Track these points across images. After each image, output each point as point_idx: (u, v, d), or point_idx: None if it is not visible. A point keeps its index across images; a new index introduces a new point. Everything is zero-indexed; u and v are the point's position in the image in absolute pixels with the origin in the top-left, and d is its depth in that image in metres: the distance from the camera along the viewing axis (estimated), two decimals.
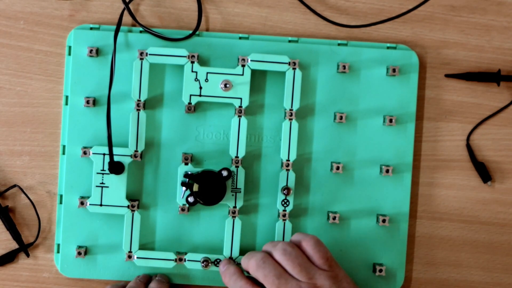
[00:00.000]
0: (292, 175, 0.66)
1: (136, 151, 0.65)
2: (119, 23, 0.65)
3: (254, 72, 0.66)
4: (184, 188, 0.65)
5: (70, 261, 0.67)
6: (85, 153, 0.65)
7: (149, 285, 0.64)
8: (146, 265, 0.66)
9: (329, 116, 0.67)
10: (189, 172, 0.65)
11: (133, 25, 0.67)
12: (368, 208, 0.67)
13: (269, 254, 0.60)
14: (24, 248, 0.67)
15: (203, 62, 0.66)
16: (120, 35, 0.66)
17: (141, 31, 0.67)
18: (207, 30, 0.68)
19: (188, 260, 0.66)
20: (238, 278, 0.61)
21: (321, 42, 0.67)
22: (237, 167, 0.65)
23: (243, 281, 0.60)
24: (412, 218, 0.68)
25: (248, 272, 0.61)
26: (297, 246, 0.60)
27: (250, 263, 0.60)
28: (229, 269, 0.62)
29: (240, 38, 0.67)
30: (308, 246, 0.60)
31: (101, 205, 0.65)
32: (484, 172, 0.68)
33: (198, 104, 0.66)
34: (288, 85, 0.65)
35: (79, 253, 0.66)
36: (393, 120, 0.66)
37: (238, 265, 0.64)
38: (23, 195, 0.67)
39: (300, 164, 0.67)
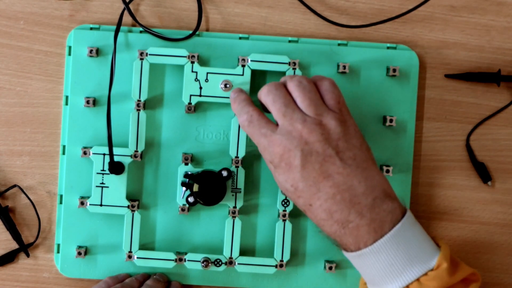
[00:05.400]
0: None
1: (136, 151, 0.65)
2: (119, 23, 0.65)
3: (254, 72, 0.66)
4: (184, 188, 0.65)
5: (70, 261, 0.67)
6: (85, 153, 0.65)
7: (145, 282, 0.64)
8: (146, 265, 0.66)
9: None
10: (189, 172, 0.65)
11: (133, 25, 0.67)
12: None
13: (284, 85, 0.59)
14: (24, 248, 0.67)
15: (203, 62, 0.66)
16: (120, 35, 0.66)
17: (141, 31, 0.67)
18: (207, 30, 0.68)
19: (188, 260, 0.66)
20: (247, 105, 0.60)
21: (321, 42, 0.67)
22: (237, 167, 0.65)
23: (252, 107, 0.60)
24: None
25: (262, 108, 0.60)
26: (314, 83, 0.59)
27: (262, 89, 0.59)
28: (240, 96, 0.62)
29: (240, 38, 0.67)
30: (323, 85, 0.59)
31: (101, 205, 0.65)
32: (484, 172, 0.68)
33: (198, 104, 0.66)
34: None
35: (79, 253, 0.66)
36: (393, 120, 0.66)
37: None
38: (23, 195, 0.67)
39: None
